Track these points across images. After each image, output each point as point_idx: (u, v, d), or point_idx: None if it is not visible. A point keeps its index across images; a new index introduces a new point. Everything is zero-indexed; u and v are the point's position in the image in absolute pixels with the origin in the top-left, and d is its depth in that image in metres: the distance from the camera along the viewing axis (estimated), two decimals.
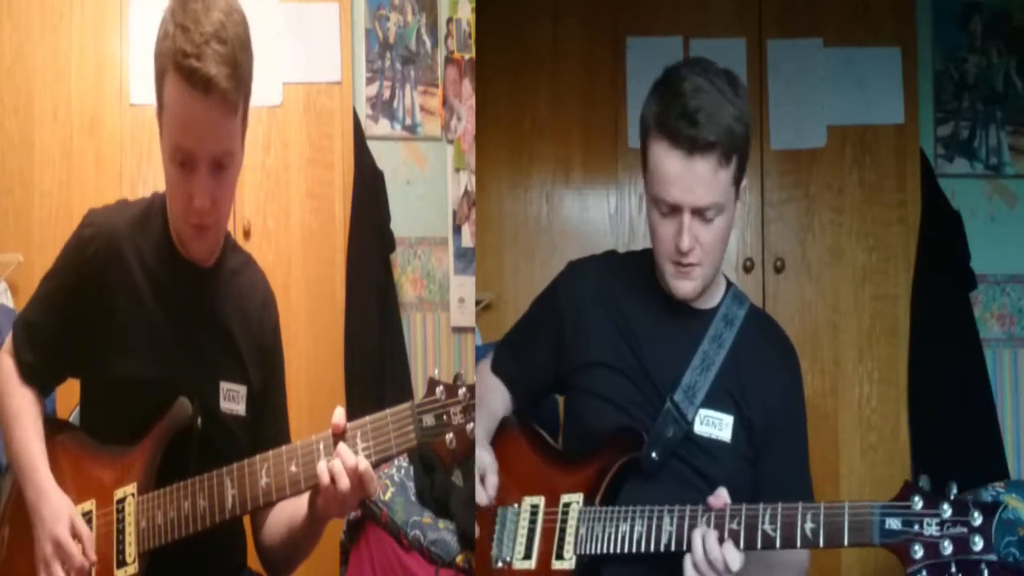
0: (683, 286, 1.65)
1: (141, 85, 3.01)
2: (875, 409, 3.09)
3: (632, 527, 1.56)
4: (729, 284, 1.79)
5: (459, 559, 2.49)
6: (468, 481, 2.50)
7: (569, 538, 1.62)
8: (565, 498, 1.65)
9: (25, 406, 1.64)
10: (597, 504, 1.62)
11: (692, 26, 3.17)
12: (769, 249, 3.15)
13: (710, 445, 1.66)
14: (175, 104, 1.49)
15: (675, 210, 1.60)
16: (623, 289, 1.78)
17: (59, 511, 1.55)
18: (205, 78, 1.44)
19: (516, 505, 1.71)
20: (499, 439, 1.82)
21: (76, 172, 3.00)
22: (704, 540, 1.47)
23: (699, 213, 1.59)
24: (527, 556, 1.66)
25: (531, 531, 1.67)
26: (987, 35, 3.33)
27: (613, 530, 1.58)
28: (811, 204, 3.15)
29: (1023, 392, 3.32)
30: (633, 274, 1.78)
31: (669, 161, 1.58)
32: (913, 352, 3.07)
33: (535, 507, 1.69)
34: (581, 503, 1.63)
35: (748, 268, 3.14)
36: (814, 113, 3.15)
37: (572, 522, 1.63)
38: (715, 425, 1.66)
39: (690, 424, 1.65)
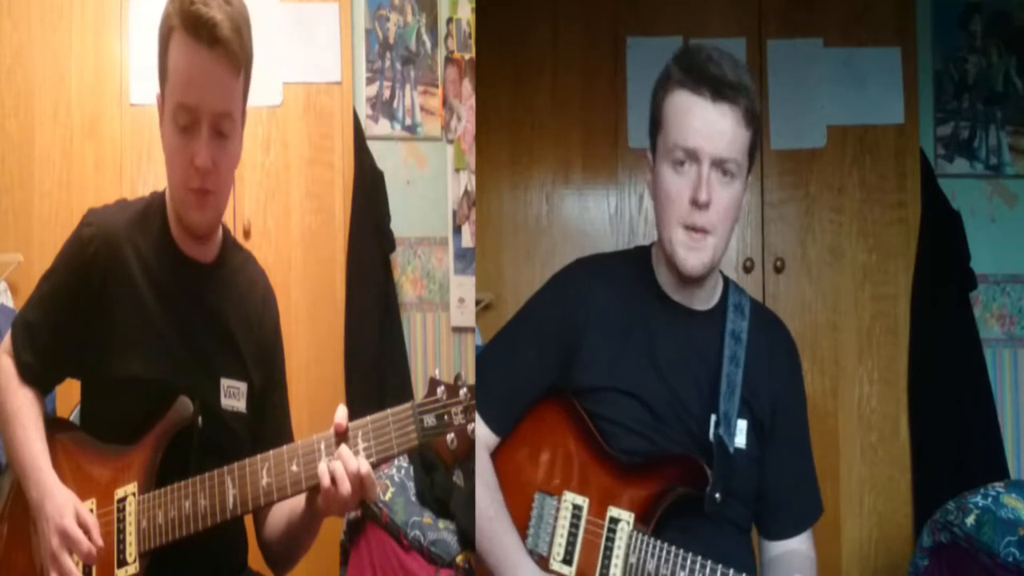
0: (692, 258, 1.55)
1: (141, 85, 3.01)
2: (875, 409, 3.09)
3: None
4: (726, 284, 1.71)
5: (459, 559, 2.49)
6: (468, 481, 2.49)
7: (617, 561, 1.53)
8: (613, 512, 1.56)
9: (25, 405, 1.64)
10: (650, 534, 1.53)
11: (692, 26, 3.17)
12: (769, 249, 3.15)
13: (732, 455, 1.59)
14: (180, 61, 1.51)
15: (693, 160, 1.53)
16: (623, 300, 1.66)
17: (64, 505, 1.54)
18: (211, 23, 1.47)
19: (556, 498, 1.62)
20: (542, 413, 1.69)
21: (76, 172, 3.00)
22: None
23: (719, 166, 1.53)
24: (567, 560, 1.58)
25: (572, 535, 1.58)
26: (987, 35, 3.33)
27: (668, 572, 1.49)
28: (811, 204, 3.15)
29: (1023, 392, 3.32)
30: (631, 279, 1.68)
31: (692, 108, 1.53)
32: (913, 352, 3.07)
33: (578, 508, 1.60)
34: (632, 525, 1.54)
35: (748, 268, 3.14)
36: (814, 113, 3.15)
37: (621, 543, 1.53)
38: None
39: (733, 457, 1.56)
